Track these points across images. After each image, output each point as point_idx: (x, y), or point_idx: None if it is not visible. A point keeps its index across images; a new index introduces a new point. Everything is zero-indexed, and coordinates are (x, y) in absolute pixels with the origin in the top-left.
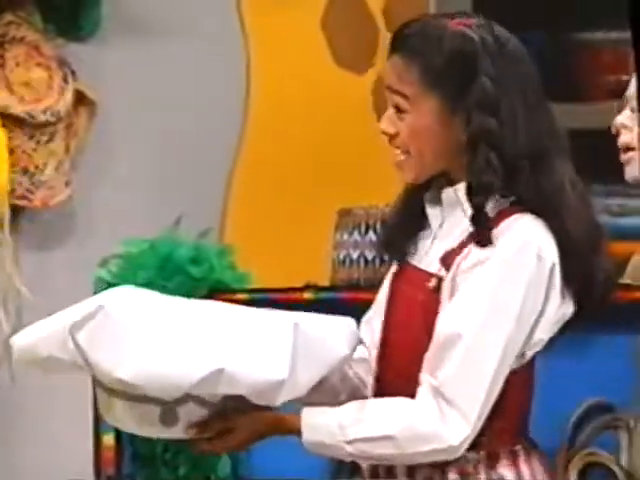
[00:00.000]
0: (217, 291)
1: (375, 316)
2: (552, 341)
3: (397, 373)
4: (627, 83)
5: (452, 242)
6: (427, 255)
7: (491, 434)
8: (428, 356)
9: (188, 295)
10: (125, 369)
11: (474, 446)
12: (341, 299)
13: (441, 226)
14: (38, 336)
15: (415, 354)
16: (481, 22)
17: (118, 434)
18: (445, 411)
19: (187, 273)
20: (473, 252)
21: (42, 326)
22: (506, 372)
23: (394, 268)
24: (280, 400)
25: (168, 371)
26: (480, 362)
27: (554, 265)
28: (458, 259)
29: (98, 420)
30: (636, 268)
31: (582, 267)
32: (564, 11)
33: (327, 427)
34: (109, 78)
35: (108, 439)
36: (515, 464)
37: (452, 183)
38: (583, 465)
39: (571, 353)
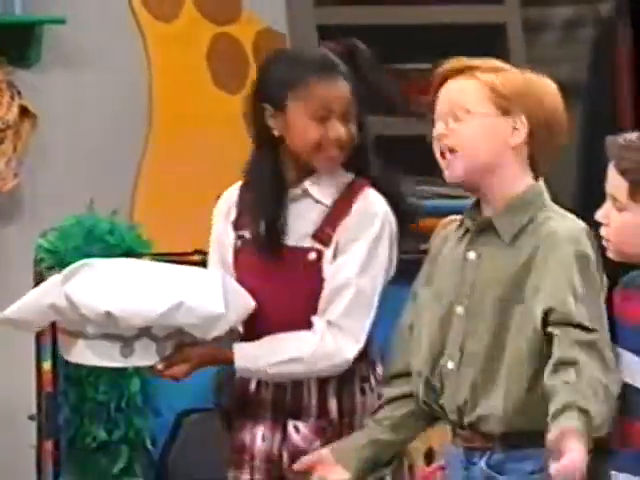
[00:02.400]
0: (128, 255)
1: None
2: None
3: (269, 330)
4: (434, 102)
5: (313, 224)
6: (291, 237)
7: (365, 349)
8: (322, 302)
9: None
10: (110, 304)
11: (360, 358)
12: None
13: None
14: (30, 298)
15: (298, 310)
16: None
17: (54, 362)
18: (343, 338)
19: (105, 241)
20: (347, 226)
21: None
22: (376, 304)
23: (231, 242)
24: (213, 333)
25: (142, 304)
26: (364, 300)
27: (394, 228)
28: (334, 236)
29: (39, 351)
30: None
31: (403, 234)
32: (388, 46)
33: (253, 356)
34: (46, 97)
35: (46, 365)
36: (375, 370)
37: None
38: None
39: (396, 300)
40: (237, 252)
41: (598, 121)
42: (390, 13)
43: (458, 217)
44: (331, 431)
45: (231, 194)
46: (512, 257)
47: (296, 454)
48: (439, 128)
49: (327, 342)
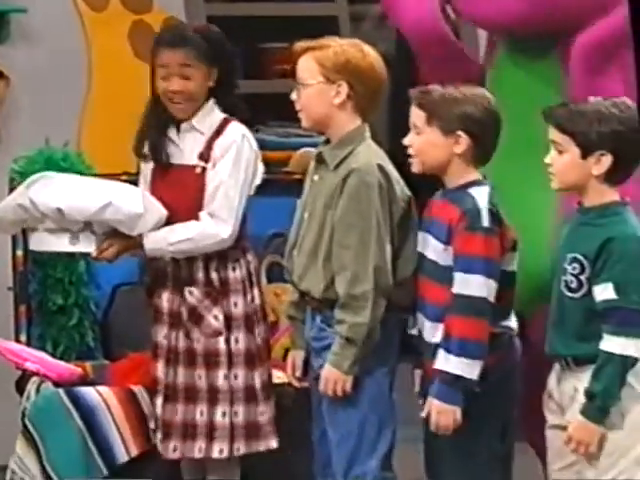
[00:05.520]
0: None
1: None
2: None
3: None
4: (291, 71)
5: (198, 148)
6: (183, 158)
7: (237, 240)
8: (205, 199)
9: None
10: (60, 202)
11: (233, 246)
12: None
13: (181, 141)
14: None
15: (191, 210)
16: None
17: (25, 250)
18: (219, 223)
19: (60, 166)
20: (218, 146)
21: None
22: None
23: (150, 168)
24: (137, 230)
25: (82, 202)
26: (234, 195)
27: (253, 148)
28: (212, 153)
29: (14, 243)
30: (295, 161)
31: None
32: (256, 30)
33: (157, 238)
34: (16, 65)
35: (19, 252)
36: (245, 255)
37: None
38: (269, 264)
39: (265, 209)
40: (152, 176)
41: (403, 82)
42: (258, 7)
43: (311, 150)
44: (214, 294)
45: None
46: (333, 179)
47: (191, 310)
48: (293, 95)
49: (208, 226)
